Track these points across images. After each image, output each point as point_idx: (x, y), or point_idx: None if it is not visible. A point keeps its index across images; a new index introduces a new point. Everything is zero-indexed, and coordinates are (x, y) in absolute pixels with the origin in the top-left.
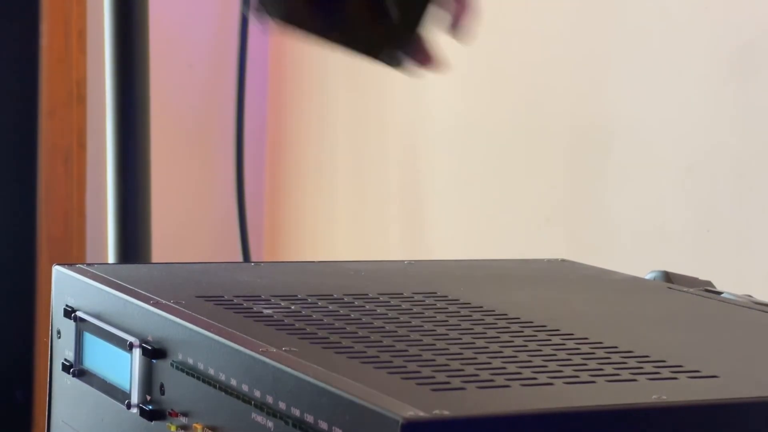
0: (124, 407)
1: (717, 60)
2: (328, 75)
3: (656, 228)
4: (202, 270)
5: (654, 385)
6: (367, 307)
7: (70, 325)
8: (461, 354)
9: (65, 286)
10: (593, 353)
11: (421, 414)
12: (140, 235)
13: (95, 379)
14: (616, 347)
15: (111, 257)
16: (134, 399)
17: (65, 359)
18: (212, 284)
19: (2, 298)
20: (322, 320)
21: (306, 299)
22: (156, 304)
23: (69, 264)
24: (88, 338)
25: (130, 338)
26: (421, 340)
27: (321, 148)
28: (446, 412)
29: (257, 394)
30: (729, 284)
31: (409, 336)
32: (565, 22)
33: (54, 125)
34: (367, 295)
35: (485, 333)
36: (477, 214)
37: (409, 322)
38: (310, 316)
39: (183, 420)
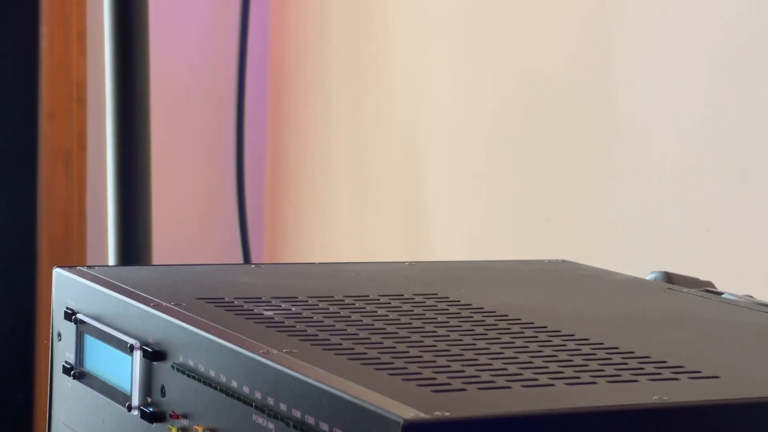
0: (125, 409)
1: (717, 60)
2: (329, 75)
3: (657, 228)
4: (202, 272)
5: (655, 385)
6: (368, 308)
7: (71, 327)
8: (462, 355)
9: (66, 288)
10: (594, 354)
11: (422, 415)
12: (141, 237)
13: (96, 381)
14: (616, 348)
15: (111, 259)
16: (135, 401)
17: (66, 361)
18: (213, 286)
19: (3, 300)
20: (322, 322)
21: (306, 301)
22: (156, 306)
23: (69, 266)
24: (89, 340)
25: (131, 340)
26: (421, 342)
27: (321, 149)
28: (447, 414)
29: (258, 395)
30: (730, 285)
31: (409, 337)
32: (565, 23)
33: (54, 127)
34: (367, 296)
35: (486, 334)
36: (478, 214)
37: (410, 323)
38: (311, 317)
39: (184, 422)
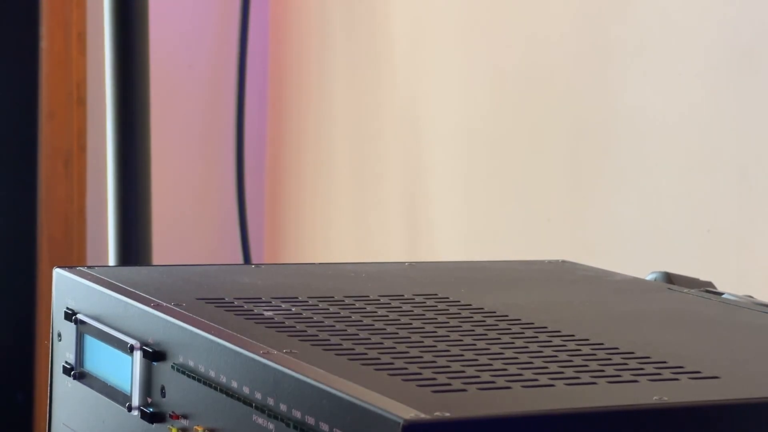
0: (125, 410)
1: (717, 60)
2: (328, 75)
3: (657, 228)
4: (202, 272)
5: (655, 386)
6: (368, 309)
7: (71, 327)
8: (462, 356)
9: (66, 288)
10: (594, 354)
11: (422, 416)
12: (141, 237)
13: (96, 381)
14: (617, 348)
15: (111, 259)
16: (135, 401)
17: (66, 362)
18: (213, 286)
19: (3, 301)
20: (322, 322)
21: (307, 301)
22: (156, 307)
23: (69, 266)
24: (89, 341)
25: (131, 341)
26: (422, 342)
27: (321, 149)
28: (447, 414)
29: (258, 396)
30: (730, 285)
31: (410, 338)
32: (565, 22)
33: (54, 127)
34: (367, 296)
35: (486, 335)
36: (478, 214)
37: (410, 323)
38: (311, 318)
39: (184, 422)
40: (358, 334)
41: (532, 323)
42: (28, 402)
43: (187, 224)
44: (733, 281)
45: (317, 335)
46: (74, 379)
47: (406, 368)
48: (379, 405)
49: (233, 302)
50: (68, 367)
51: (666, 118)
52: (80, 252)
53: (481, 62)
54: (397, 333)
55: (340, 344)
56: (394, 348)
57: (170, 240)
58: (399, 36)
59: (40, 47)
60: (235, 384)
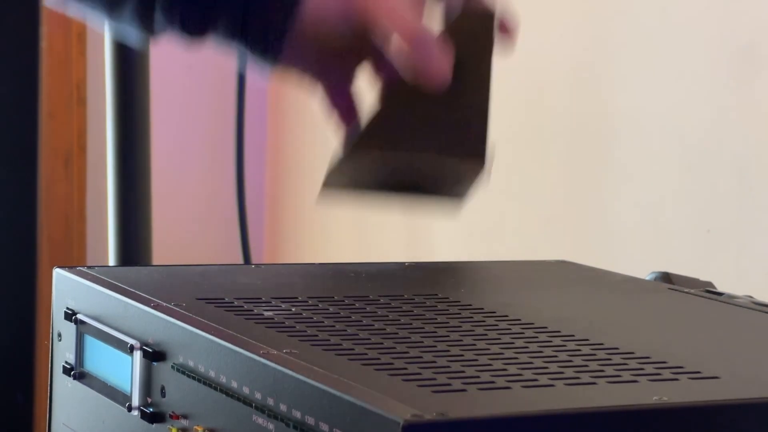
0: (125, 410)
1: (717, 60)
2: None
3: (657, 228)
4: (202, 272)
5: (655, 386)
6: (368, 309)
7: (71, 327)
8: (462, 356)
9: (66, 288)
10: (594, 355)
11: (422, 416)
12: (141, 237)
13: (96, 381)
14: (616, 348)
15: (111, 259)
16: (135, 401)
17: (66, 362)
18: (213, 286)
19: (2, 301)
20: (322, 322)
21: (306, 301)
22: (156, 307)
23: (69, 266)
24: (89, 341)
25: (131, 341)
26: (421, 342)
27: (321, 149)
28: (447, 414)
29: (258, 396)
30: (730, 285)
31: (409, 338)
32: (565, 22)
33: (54, 127)
34: (367, 296)
35: (486, 335)
36: (478, 214)
37: (410, 324)
38: (311, 318)
39: (184, 422)
40: (358, 334)
41: (532, 323)
42: (28, 402)
43: (187, 224)
44: (733, 281)
45: (317, 335)
46: (74, 379)
47: (405, 368)
48: (379, 405)
49: (233, 302)
50: (68, 367)
51: (666, 118)
52: (80, 252)
53: None
54: (396, 333)
55: (340, 344)
56: (394, 348)
57: (170, 240)
58: None
59: (40, 47)
60: (235, 384)
